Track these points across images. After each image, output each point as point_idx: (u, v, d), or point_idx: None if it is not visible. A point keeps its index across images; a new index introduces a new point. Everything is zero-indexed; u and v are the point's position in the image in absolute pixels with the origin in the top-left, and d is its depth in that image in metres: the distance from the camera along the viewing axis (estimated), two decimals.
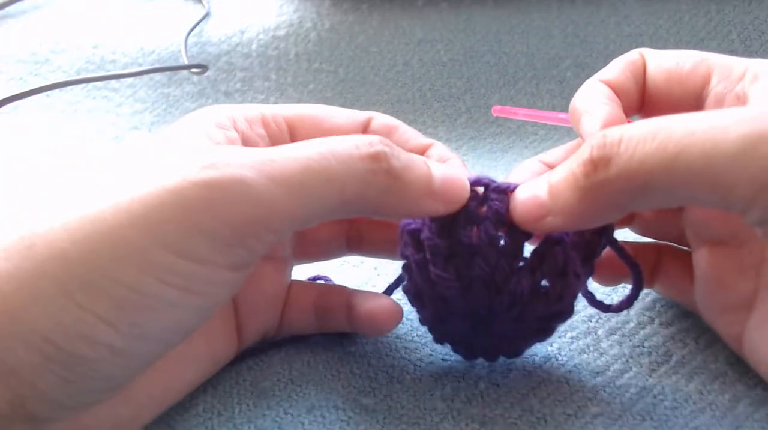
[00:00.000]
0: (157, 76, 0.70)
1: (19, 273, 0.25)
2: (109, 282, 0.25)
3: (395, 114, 0.67)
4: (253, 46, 0.72)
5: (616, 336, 0.38)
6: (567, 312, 0.34)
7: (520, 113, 0.42)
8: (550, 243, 0.32)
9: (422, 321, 0.36)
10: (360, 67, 0.70)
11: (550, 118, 0.41)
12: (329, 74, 0.70)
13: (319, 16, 0.72)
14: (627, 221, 0.39)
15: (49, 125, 0.67)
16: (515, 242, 0.32)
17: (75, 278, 0.25)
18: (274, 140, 0.35)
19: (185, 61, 0.69)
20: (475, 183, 0.32)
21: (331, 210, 0.29)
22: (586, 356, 0.37)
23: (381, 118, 0.37)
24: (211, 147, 0.29)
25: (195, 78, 0.70)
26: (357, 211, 0.30)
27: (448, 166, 0.33)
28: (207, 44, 0.72)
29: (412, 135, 0.37)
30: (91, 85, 0.70)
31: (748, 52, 0.67)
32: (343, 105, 0.67)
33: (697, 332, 0.39)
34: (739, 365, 0.36)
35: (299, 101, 0.68)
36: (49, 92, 0.67)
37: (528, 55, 0.70)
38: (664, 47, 0.70)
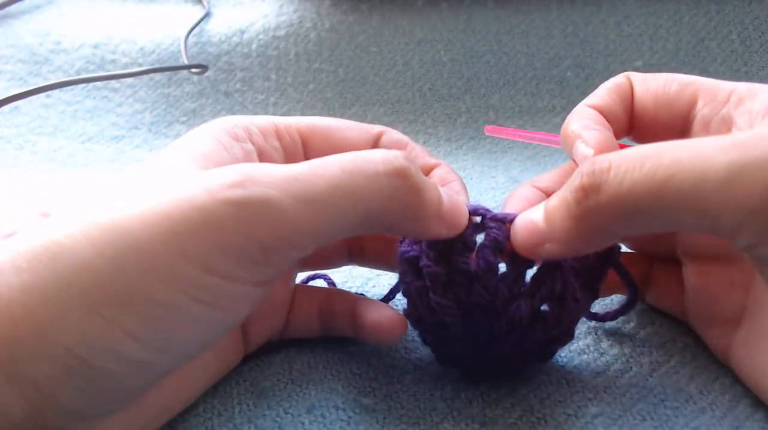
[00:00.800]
0: (157, 76, 0.70)
1: (44, 285, 0.25)
2: (137, 297, 0.25)
3: (395, 114, 0.68)
4: (253, 46, 0.72)
5: (616, 336, 0.38)
6: (566, 336, 0.34)
7: (512, 134, 0.42)
8: (548, 269, 0.33)
9: (425, 342, 0.36)
10: (360, 67, 0.70)
11: (542, 140, 0.42)
12: (329, 74, 0.70)
13: (319, 16, 0.72)
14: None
15: (49, 125, 0.67)
16: (515, 269, 0.32)
17: (102, 292, 0.25)
18: (287, 152, 0.36)
19: (185, 61, 0.69)
20: (472, 212, 0.33)
21: (355, 226, 0.29)
22: (586, 356, 0.37)
23: (392, 134, 0.37)
24: (237, 165, 0.29)
25: (195, 78, 0.70)
26: (376, 228, 0.30)
27: (450, 191, 0.33)
28: (207, 44, 0.72)
29: (420, 153, 0.37)
30: (91, 85, 0.70)
31: (749, 52, 0.67)
32: (343, 105, 0.68)
33: (696, 333, 0.39)
34: None
35: (299, 101, 0.68)
36: (49, 92, 0.67)
37: (528, 55, 0.70)
38: (664, 47, 0.70)
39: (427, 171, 0.37)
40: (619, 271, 0.36)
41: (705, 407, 0.34)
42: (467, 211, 0.32)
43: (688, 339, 0.38)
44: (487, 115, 0.67)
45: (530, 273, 0.33)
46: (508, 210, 0.34)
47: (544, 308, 0.33)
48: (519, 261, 0.32)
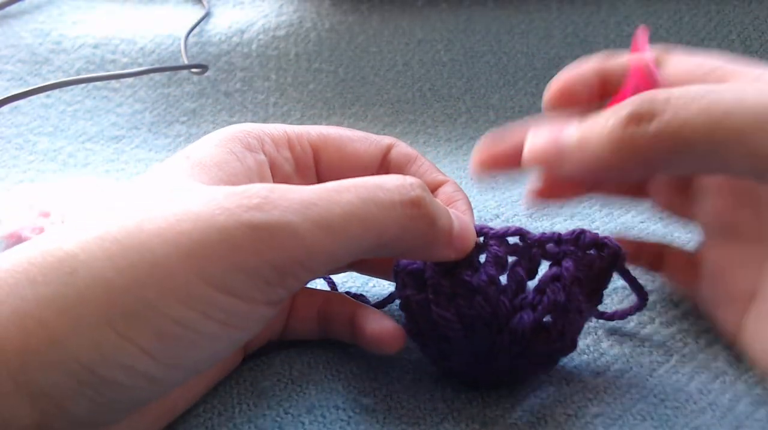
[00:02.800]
0: (157, 76, 0.70)
1: (60, 299, 0.25)
2: (153, 313, 0.26)
3: (395, 114, 0.68)
4: (253, 46, 0.72)
5: (616, 336, 0.38)
6: (569, 347, 0.34)
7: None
8: (550, 279, 0.33)
9: (424, 354, 0.36)
10: (360, 67, 0.70)
11: None
12: (329, 74, 0.70)
13: (319, 16, 0.72)
14: (637, 193, 0.40)
15: (49, 125, 0.67)
16: (516, 281, 0.33)
17: (118, 307, 0.25)
18: (299, 163, 0.36)
19: (185, 61, 0.69)
20: (477, 232, 0.33)
21: (367, 251, 0.29)
22: (586, 356, 0.37)
23: (401, 148, 0.38)
24: (256, 185, 0.29)
25: (195, 78, 0.70)
26: (388, 253, 0.31)
27: (457, 212, 0.33)
28: (207, 44, 0.72)
29: (428, 169, 0.37)
30: (91, 85, 0.70)
31: (748, 52, 0.67)
32: (343, 105, 0.68)
33: (697, 332, 0.39)
34: (739, 365, 0.36)
35: (299, 101, 0.68)
36: (49, 92, 0.67)
37: (528, 55, 0.70)
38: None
39: (434, 188, 0.37)
40: (626, 277, 0.36)
41: (705, 407, 0.34)
42: (474, 234, 0.33)
43: (688, 339, 0.38)
44: (487, 115, 0.67)
45: (533, 284, 0.34)
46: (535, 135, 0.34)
47: (546, 319, 0.33)
48: (518, 273, 0.33)
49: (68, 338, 0.25)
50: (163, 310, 0.26)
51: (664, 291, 0.42)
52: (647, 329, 0.39)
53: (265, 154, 0.34)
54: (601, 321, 0.39)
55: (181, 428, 0.33)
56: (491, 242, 0.33)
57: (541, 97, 0.67)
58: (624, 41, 0.70)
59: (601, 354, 0.37)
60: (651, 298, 0.41)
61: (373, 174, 0.37)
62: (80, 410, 0.26)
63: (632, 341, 0.38)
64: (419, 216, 0.29)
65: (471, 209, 0.36)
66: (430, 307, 0.32)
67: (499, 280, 0.33)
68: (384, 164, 0.37)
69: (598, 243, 0.34)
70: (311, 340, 0.38)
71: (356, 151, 0.37)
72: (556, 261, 0.34)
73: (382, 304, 0.38)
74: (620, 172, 0.31)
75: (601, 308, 0.38)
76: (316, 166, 0.37)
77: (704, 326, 0.39)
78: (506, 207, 0.52)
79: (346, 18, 0.72)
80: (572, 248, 0.34)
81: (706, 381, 0.35)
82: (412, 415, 0.33)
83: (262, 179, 0.33)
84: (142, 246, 0.26)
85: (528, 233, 0.34)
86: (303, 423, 0.33)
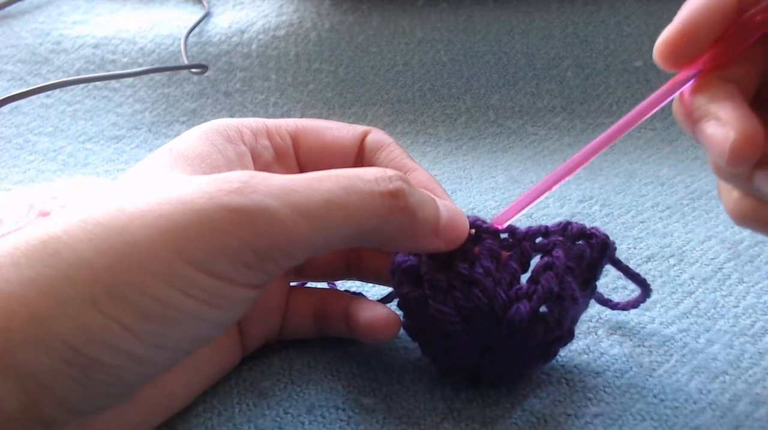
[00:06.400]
0: (157, 76, 0.70)
1: (43, 279, 0.25)
2: (136, 293, 0.26)
3: (395, 114, 0.68)
4: (253, 46, 0.72)
5: (616, 336, 0.38)
6: (567, 336, 0.34)
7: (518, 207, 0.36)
8: (543, 269, 0.33)
9: (424, 353, 0.36)
10: (360, 67, 0.70)
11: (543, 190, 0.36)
12: (329, 74, 0.70)
13: (319, 16, 0.72)
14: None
15: (49, 125, 0.67)
16: (510, 274, 0.33)
17: (101, 287, 0.26)
18: (278, 152, 0.36)
19: (185, 61, 0.69)
20: (470, 224, 0.33)
21: (347, 241, 0.30)
22: (586, 356, 0.37)
23: (376, 134, 0.38)
24: (237, 171, 0.29)
25: (195, 78, 0.70)
26: (370, 244, 0.31)
27: (451, 205, 0.33)
28: (207, 44, 0.72)
29: (399, 155, 0.38)
30: (91, 85, 0.70)
31: None
32: (343, 105, 0.68)
33: (697, 332, 0.39)
34: (738, 365, 0.36)
35: (299, 101, 0.68)
36: (49, 92, 0.67)
37: (528, 55, 0.70)
38: None
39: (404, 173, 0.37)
40: (619, 267, 0.36)
41: (704, 407, 0.34)
42: (467, 226, 0.33)
43: (688, 339, 0.38)
44: (487, 115, 0.67)
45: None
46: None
47: (543, 310, 0.33)
48: (512, 265, 0.33)
49: (52, 316, 0.25)
50: (145, 289, 0.26)
51: (663, 291, 0.42)
52: (647, 329, 0.39)
53: (245, 144, 0.34)
54: (601, 320, 0.39)
55: (181, 428, 0.33)
56: (485, 236, 0.33)
57: (541, 97, 0.68)
58: (624, 41, 0.70)
59: (601, 354, 0.37)
60: (650, 298, 0.41)
61: (351, 160, 0.37)
62: (68, 392, 0.26)
63: (632, 341, 0.38)
64: (398, 208, 0.30)
65: (447, 195, 0.36)
66: (428, 302, 0.33)
67: (495, 272, 0.33)
68: (360, 150, 0.38)
69: (586, 233, 0.34)
70: (310, 340, 0.38)
71: (334, 138, 0.37)
72: (546, 252, 0.34)
73: (386, 300, 0.38)
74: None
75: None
76: (296, 154, 0.37)
77: (704, 326, 0.39)
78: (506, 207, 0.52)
79: (346, 18, 0.72)
80: (560, 238, 0.34)
81: (706, 381, 0.35)
82: (412, 415, 0.34)
83: (243, 169, 0.34)
84: (123, 228, 0.26)
85: (517, 228, 0.34)
86: (303, 423, 0.33)
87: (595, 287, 0.35)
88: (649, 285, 0.37)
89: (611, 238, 0.35)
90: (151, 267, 0.26)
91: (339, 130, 0.37)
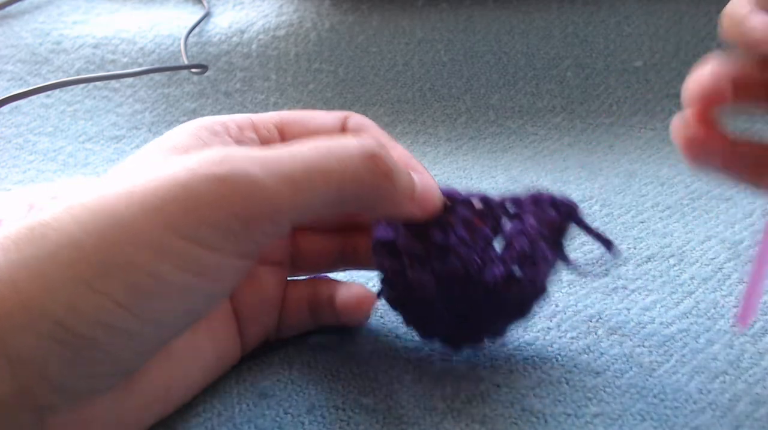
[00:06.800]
0: (157, 76, 0.70)
1: (32, 262, 0.26)
2: (126, 268, 0.26)
3: (395, 114, 0.68)
4: (253, 46, 0.72)
5: (616, 336, 0.38)
6: (541, 292, 0.35)
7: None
8: (515, 233, 0.34)
9: (407, 323, 0.37)
10: (360, 67, 0.70)
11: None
12: (329, 74, 0.70)
13: (319, 16, 0.72)
14: None
15: (49, 125, 0.67)
16: (483, 240, 0.34)
17: (90, 265, 0.26)
18: (264, 143, 0.37)
19: (185, 61, 0.69)
20: (445, 195, 0.35)
21: (329, 205, 0.30)
22: (586, 356, 0.37)
23: (356, 117, 0.39)
24: (217, 147, 0.30)
25: (195, 78, 0.70)
26: (352, 208, 0.32)
27: (425, 176, 0.35)
28: (207, 44, 0.72)
29: (379, 134, 0.38)
30: (91, 85, 0.70)
31: None
32: (343, 105, 0.68)
33: (697, 332, 0.39)
34: (738, 365, 0.36)
35: (299, 101, 0.68)
36: (49, 92, 0.67)
37: (528, 55, 0.70)
38: (664, 47, 0.70)
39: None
40: (584, 227, 0.37)
41: (705, 407, 0.34)
42: (440, 195, 0.34)
43: (688, 339, 0.38)
44: (487, 115, 0.67)
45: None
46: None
47: (519, 274, 0.34)
48: (484, 231, 0.34)
49: (41, 298, 0.25)
50: (135, 264, 0.26)
51: (663, 291, 0.42)
52: (647, 329, 0.39)
53: (231, 137, 0.35)
54: (601, 320, 0.39)
55: (181, 428, 0.33)
56: (459, 206, 0.35)
57: (541, 97, 0.68)
58: (624, 41, 0.70)
59: (601, 354, 0.37)
60: (650, 298, 0.41)
61: None
62: (59, 373, 0.26)
63: (632, 341, 0.38)
64: (377, 170, 0.30)
65: (428, 173, 0.37)
66: (406, 272, 0.34)
67: (469, 240, 0.34)
68: (343, 132, 0.39)
69: (555, 202, 0.36)
70: (310, 339, 0.38)
71: (318, 126, 0.38)
72: (518, 218, 0.35)
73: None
74: None
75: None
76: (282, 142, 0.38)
77: (704, 326, 0.39)
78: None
79: (346, 18, 0.72)
80: (532, 207, 0.35)
81: (706, 381, 0.35)
82: (412, 415, 0.34)
83: None
84: (110, 209, 0.27)
85: (490, 197, 0.36)
86: (303, 423, 0.33)
87: (563, 245, 0.36)
88: (612, 243, 0.37)
89: (610, 236, 0.36)
90: (139, 242, 0.26)
91: (322, 117, 0.38)
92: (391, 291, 0.35)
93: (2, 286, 0.25)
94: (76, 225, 0.26)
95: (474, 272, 0.33)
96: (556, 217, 0.35)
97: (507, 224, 0.35)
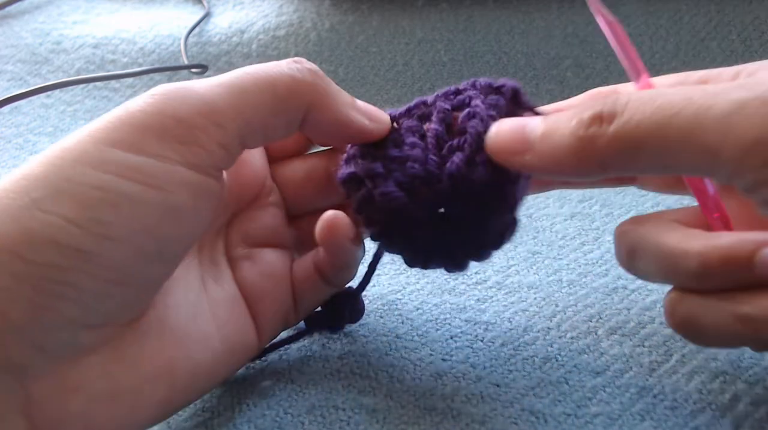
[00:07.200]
0: (157, 76, 0.70)
1: None
2: (71, 184, 0.27)
3: None
4: (253, 46, 0.72)
5: (616, 336, 0.38)
6: (513, 175, 0.33)
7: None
8: (465, 118, 0.34)
9: (391, 252, 0.36)
10: (360, 67, 0.70)
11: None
12: (329, 74, 0.69)
13: (319, 16, 0.73)
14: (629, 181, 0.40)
15: (49, 125, 0.67)
16: (435, 137, 0.34)
17: (38, 189, 0.27)
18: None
19: (185, 61, 0.69)
20: (391, 117, 0.36)
21: (271, 108, 0.32)
22: (586, 356, 0.37)
23: None
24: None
25: (195, 78, 0.70)
26: (295, 110, 0.33)
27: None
28: (207, 44, 0.72)
29: None
30: (91, 85, 0.70)
31: (749, 52, 0.67)
32: None
33: None
34: (739, 365, 0.36)
35: None
36: (49, 92, 0.67)
37: (528, 55, 0.70)
38: (664, 47, 0.70)
39: None
40: (528, 109, 0.36)
41: (704, 407, 0.34)
42: (385, 113, 0.36)
43: None
44: None
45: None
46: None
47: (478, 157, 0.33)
48: (437, 132, 0.34)
49: None
50: (79, 179, 0.27)
51: (663, 290, 0.42)
52: (647, 329, 0.39)
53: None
54: (601, 320, 0.39)
55: (181, 428, 0.33)
56: (402, 119, 0.35)
57: (541, 97, 0.68)
58: None
59: (601, 354, 0.37)
60: (650, 298, 0.41)
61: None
62: (24, 317, 0.26)
63: (632, 341, 0.38)
64: (304, 69, 0.33)
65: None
66: (373, 196, 0.34)
67: (420, 143, 0.34)
68: None
69: (496, 86, 0.35)
70: (310, 338, 0.38)
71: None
72: (464, 104, 0.35)
73: (371, 267, 0.38)
74: (577, 172, 0.31)
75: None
76: None
77: None
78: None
79: (346, 18, 0.72)
80: (475, 91, 0.35)
81: (706, 381, 0.35)
82: (412, 415, 0.34)
83: None
84: (58, 144, 0.29)
85: (426, 98, 0.36)
86: (303, 423, 0.33)
87: None
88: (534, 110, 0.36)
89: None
90: (83, 158, 0.28)
91: None
92: (368, 222, 0.35)
93: None
94: (27, 162, 0.28)
95: (434, 168, 0.33)
96: (501, 100, 0.35)
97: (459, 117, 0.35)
